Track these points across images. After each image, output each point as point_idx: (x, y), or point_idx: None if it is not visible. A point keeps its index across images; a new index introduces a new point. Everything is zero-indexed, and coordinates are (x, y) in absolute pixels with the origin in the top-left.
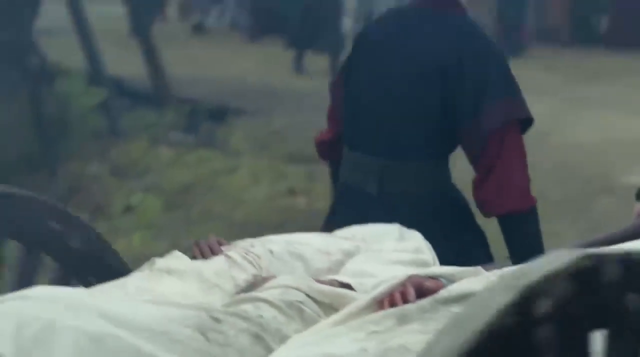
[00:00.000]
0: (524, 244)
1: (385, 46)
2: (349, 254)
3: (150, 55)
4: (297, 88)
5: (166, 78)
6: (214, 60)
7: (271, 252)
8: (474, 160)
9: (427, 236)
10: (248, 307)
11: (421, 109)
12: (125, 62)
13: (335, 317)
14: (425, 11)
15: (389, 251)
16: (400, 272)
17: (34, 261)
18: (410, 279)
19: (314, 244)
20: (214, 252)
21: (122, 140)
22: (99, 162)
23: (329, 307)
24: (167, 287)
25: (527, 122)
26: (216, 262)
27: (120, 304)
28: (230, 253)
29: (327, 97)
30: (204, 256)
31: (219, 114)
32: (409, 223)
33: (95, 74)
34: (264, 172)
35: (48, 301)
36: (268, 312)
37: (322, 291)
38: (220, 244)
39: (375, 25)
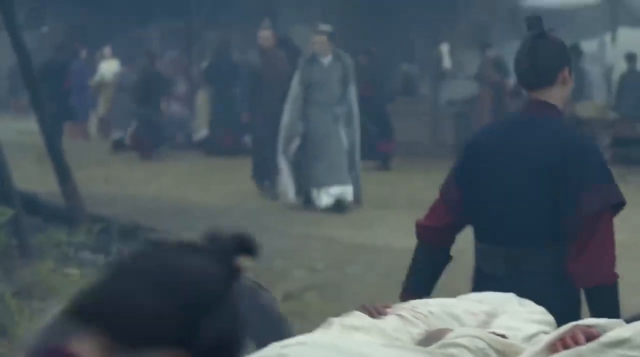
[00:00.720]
0: (606, 313)
1: (496, 150)
2: (490, 315)
3: (63, 172)
4: (212, 206)
5: (79, 196)
6: (131, 178)
7: (431, 313)
8: (570, 238)
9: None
10: (454, 351)
11: (533, 203)
12: (42, 179)
13: None
14: (527, 117)
15: (523, 312)
16: (535, 329)
17: None
18: (577, 326)
19: (460, 307)
20: (380, 313)
21: (31, 260)
22: (4, 283)
23: (501, 354)
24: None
25: (619, 204)
26: (391, 320)
27: (371, 348)
28: (402, 313)
29: (239, 215)
30: (372, 317)
31: (131, 233)
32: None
33: (4, 192)
34: None
35: (321, 347)
36: (467, 356)
37: (497, 340)
38: (384, 307)
39: (484, 131)
